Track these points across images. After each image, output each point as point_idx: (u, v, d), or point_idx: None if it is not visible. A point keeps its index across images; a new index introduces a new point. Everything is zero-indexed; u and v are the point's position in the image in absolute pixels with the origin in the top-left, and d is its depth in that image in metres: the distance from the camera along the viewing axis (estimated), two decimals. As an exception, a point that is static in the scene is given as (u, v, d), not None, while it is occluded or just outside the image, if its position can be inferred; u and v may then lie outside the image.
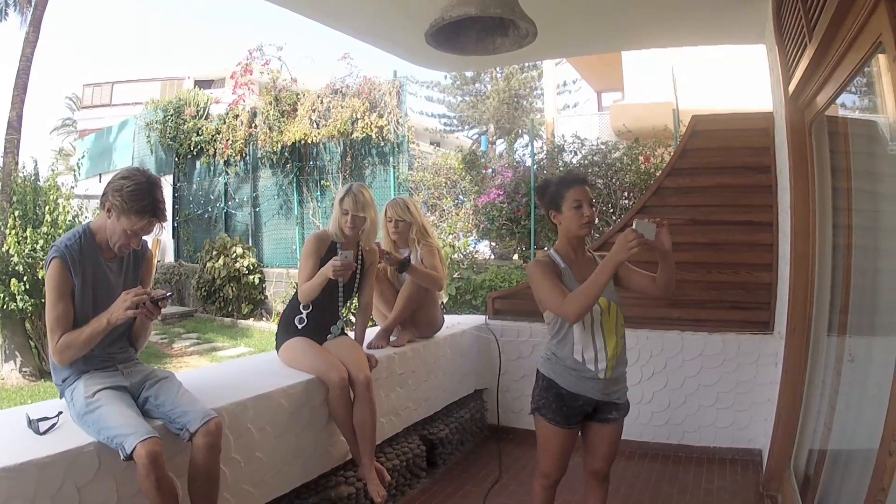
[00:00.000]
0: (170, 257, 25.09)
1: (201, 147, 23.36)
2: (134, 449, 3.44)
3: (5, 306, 14.22)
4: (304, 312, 5.65)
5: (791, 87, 5.30)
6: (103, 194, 4.06)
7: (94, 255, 4.05)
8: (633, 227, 3.94)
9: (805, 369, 5.59)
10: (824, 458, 5.01)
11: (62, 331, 3.92)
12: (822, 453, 5.13)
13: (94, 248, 4.07)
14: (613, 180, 15.18)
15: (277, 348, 5.76)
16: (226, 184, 23.12)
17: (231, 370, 6.06)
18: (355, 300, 6.11)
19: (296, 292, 5.74)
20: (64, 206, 15.18)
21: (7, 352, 15.02)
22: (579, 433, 4.49)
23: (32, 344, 15.43)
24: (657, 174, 11.36)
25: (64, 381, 4.05)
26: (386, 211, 6.65)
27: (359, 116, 18.90)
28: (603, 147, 16.28)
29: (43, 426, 3.76)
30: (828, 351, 5.28)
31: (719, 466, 6.79)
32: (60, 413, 3.92)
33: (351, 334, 6.03)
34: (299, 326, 5.65)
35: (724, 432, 7.05)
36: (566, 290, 4.13)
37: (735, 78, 17.78)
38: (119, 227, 3.99)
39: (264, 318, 20.52)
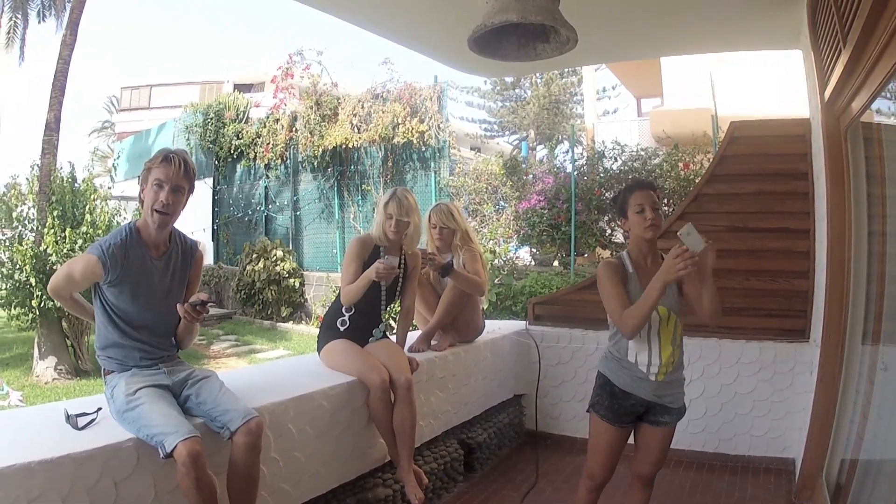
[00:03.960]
0: (209, 260, 25.19)
1: (241, 151, 23.54)
2: (174, 448, 3.46)
3: (42, 304, 14.39)
4: (347, 315, 5.68)
5: (827, 93, 5.29)
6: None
7: (139, 253, 4.10)
8: (679, 232, 4.03)
9: (839, 378, 5.56)
10: (856, 467, 5.00)
11: (65, 285, 4.22)
12: (853, 463, 5.11)
13: (140, 246, 4.12)
14: (653, 187, 15.11)
15: (319, 350, 5.77)
16: (266, 187, 23.21)
17: (272, 371, 6.12)
18: (397, 304, 6.15)
19: (338, 295, 5.77)
20: (102, 208, 15.35)
21: (43, 349, 15.24)
22: (631, 437, 4.56)
23: (69, 342, 15.67)
24: (696, 181, 11.33)
25: (107, 373, 4.16)
26: (430, 217, 6.64)
27: (400, 121, 18.92)
28: (643, 153, 16.23)
29: (81, 421, 3.79)
30: (862, 359, 5.26)
31: (753, 475, 6.76)
32: (99, 409, 3.96)
33: (392, 338, 6.04)
34: (341, 329, 5.67)
35: (759, 441, 7.02)
36: (628, 301, 4.25)
37: (774, 83, 17.72)
38: (150, 191, 4.10)
39: (304, 322, 20.60)
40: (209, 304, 4.10)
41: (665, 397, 4.37)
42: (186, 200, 4.26)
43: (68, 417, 3.80)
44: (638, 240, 4.42)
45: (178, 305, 4.06)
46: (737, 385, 7.08)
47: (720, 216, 7.28)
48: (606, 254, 15.81)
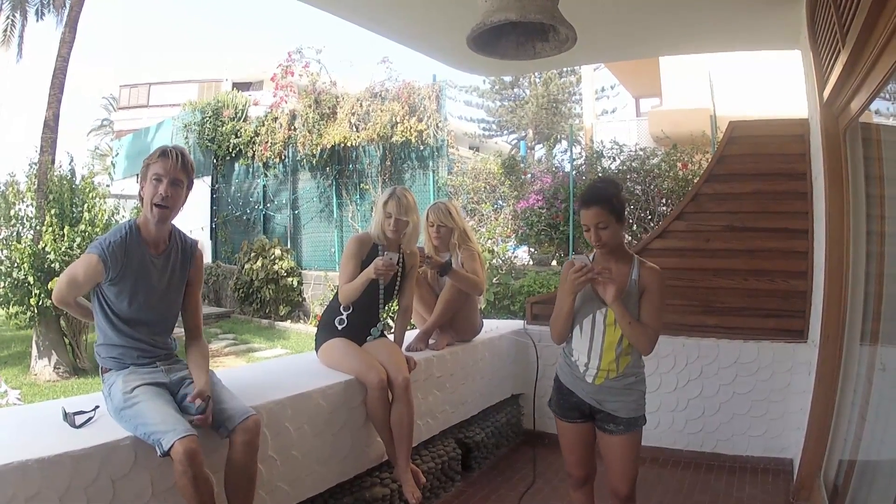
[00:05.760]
0: (207, 258, 25.16)
1: (240, 149, 23.59)
2: (172, 446, 3.46)
3: (40, 303, 14.40)
4: (345, 314, 5.66)
5: (825, 94, 5.29)
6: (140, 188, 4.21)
7: (139, 250, 4.10)
8: (572, 258, 4.23)
9: (838, 378, 5.56)
10: (853, 468, 5.00)
11: (69, 291, 4.17)
12: (851, 463, 5.10)
13: (140, 244, 4.12)
14: (651, 186, 15.10)
15: (317, 349, 5.77)
16: (264, 186, 23.27)
17: (270, 370, 6.11)
18: (395, 303, 6.14)
19: (336, 293, 5.77)
20: (100, 206, 15.37)
21: (41, 348, 15.27)
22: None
23: (67, 341, 15.68)
24: (695, 180, 11.34)
25: (104, 371, 4.14)
26: (427, 215, 6.63)
27: (398, 120, 18.98)
28: (641, 153, 16.20)
29: (79, 419, 3.79)
30: (860, 360, 5.26)
31: (751, 475, 6.77)
32: (97, 407, 3.96)
33: (390, 337, 6.03)
34: (339, 327, 5.66)
35: (757, 441, 7.02)
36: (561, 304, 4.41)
37: (773, 83, 17.74)
38: (149, 186, 4.10)
39: (302, 321, 20.63)
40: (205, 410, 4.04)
41: (606, 403, 4.32)
42: (186, 196, 4.25)
43: (66, 415, 3.80)
44: None
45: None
46: (735, 385, 7.07)
47: (719, 216, 7.30)
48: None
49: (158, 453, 3.51)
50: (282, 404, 4.62)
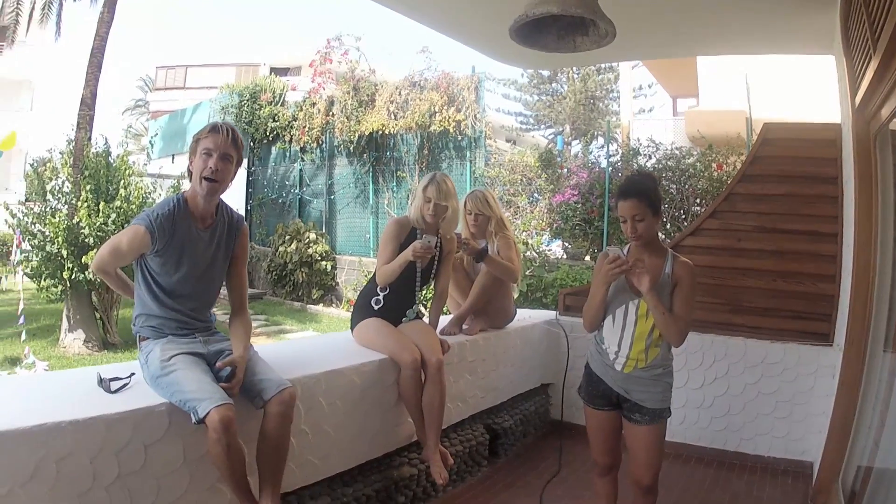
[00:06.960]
0: (242, 240, 25.27)
1: (277, 133, 23.80)
2: (207, 414, 3.53)
3: (73, 276, 14.54)
4: (381, 294, 5.75)
5: (857, 99, 5.29)
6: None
7: (186, 224, 4.17)
8: (607, 250, 4.38)
9: (860, 383, 5.58)
10: (870, 474, 5.01)
11: (111, 260, 4.29)
12: (868, 470, 5.11)
13: (187, 216, 4.19)
14: (686, 186, 15.06)
15: (352, 328, 5.86)
16: (301, 170, 23.43)
17: (305, 346, 6.24)
18: (430, 289, 6.24)
19: (373, 275, 5.86)
20: (137, 184, 15.57)
21: (72, 322, 15.38)
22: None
23: (98, 315, 15.82)
24: (729, 182, 11.37)
25: (142, 339, 4.22)
26: (466, 203, 6.70)
27: (437, 110, 18.98)
28: (677, 152, 16.14)
29: (114, 385, 3.87)
30: (882, 365, 5.27)
31: (771, 476, 6.79)
32: (133, 374, 4.05)
33: (425, 320, 6.12)
34: (375, 307, 5.75)
35: (779, 442, 7.03)
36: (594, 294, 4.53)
37: (809, 88, 17.69)
38: (199, 160, 4.18)
39: (334, 305, 20.76)
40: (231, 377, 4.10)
41: (633, 393, 4.42)
42: (235, 171, 4.36)
43: (101, 381, 3.89)
44: None
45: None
46: (760, 385, 7.10)
47: (750, 216, 7.34)
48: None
49: (193, 420, 3.59)
50: (316, 379, 4.72)
